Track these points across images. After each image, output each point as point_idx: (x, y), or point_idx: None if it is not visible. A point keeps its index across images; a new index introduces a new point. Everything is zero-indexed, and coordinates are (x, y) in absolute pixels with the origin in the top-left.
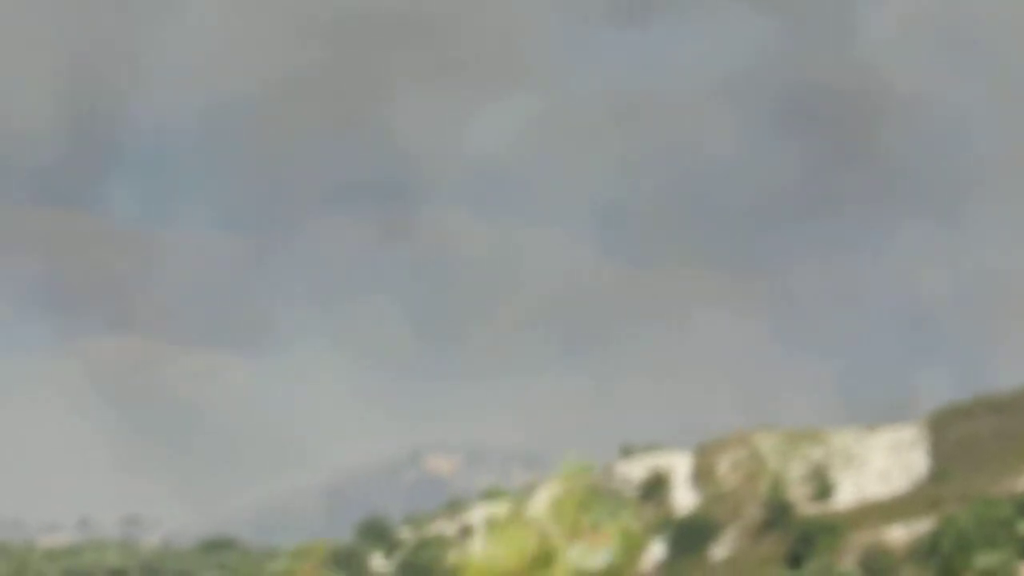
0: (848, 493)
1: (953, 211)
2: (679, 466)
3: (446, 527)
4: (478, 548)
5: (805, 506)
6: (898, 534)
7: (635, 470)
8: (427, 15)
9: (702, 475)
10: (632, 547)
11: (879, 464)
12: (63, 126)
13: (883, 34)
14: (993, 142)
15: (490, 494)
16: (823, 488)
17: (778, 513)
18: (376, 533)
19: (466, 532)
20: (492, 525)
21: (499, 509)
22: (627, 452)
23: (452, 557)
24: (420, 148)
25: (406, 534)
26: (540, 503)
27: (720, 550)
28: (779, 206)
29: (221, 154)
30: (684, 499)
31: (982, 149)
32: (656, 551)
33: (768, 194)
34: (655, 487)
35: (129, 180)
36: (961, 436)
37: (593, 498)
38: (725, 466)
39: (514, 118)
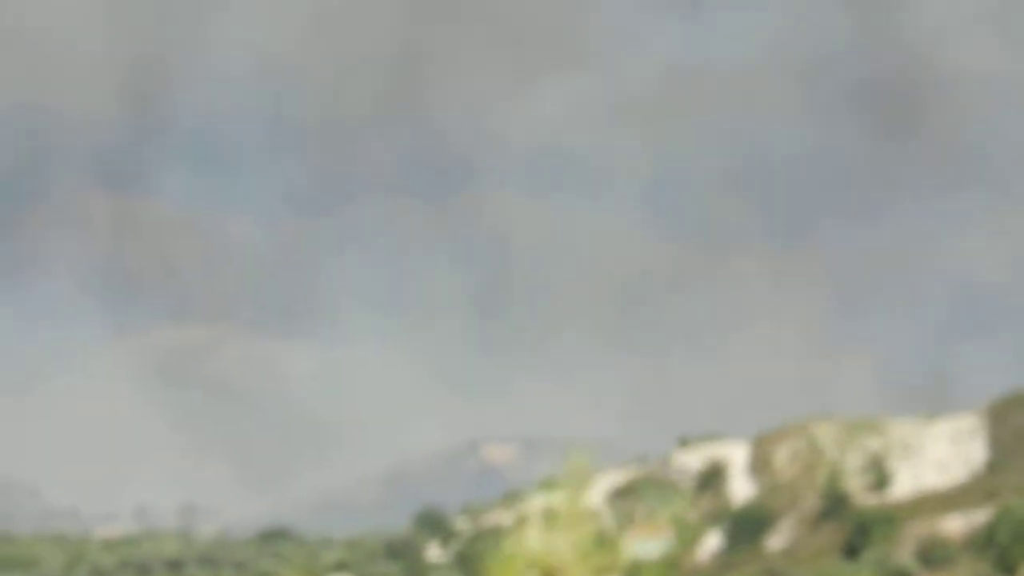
0: (905, 483)
1: (1014, 191)
2: (736, 456)
3: (503, 517)
4: (534, 537)
5: (862, 496)
6: (955, 524)
7: (692, 460)
8: None
9: (759, 465)
10: (687, 537)
11: (937, 454)
12: (126, 112)
13: (938, 13)
14: None
15: (547, 484)
16: (880, 478)
17: (835, 503)
18: (432, 523)
19: (523, 522)
20: (548, 515)
21: (555, 499)
22: (684, 442)
23: (507, 546)
24: (477, 129)
25: (463, 524)
26: (596, 493)
27: (776, 540)
28: (837, 186)
29: (280, 140)
30: (741, 489)
31: None
32: (712, 541)
33: (826, 174)
34: (712, 477)
35: (189, 167)
36: (1020, 426)
37: (650, 488)
38: (782, 456)
39: (571, 97)
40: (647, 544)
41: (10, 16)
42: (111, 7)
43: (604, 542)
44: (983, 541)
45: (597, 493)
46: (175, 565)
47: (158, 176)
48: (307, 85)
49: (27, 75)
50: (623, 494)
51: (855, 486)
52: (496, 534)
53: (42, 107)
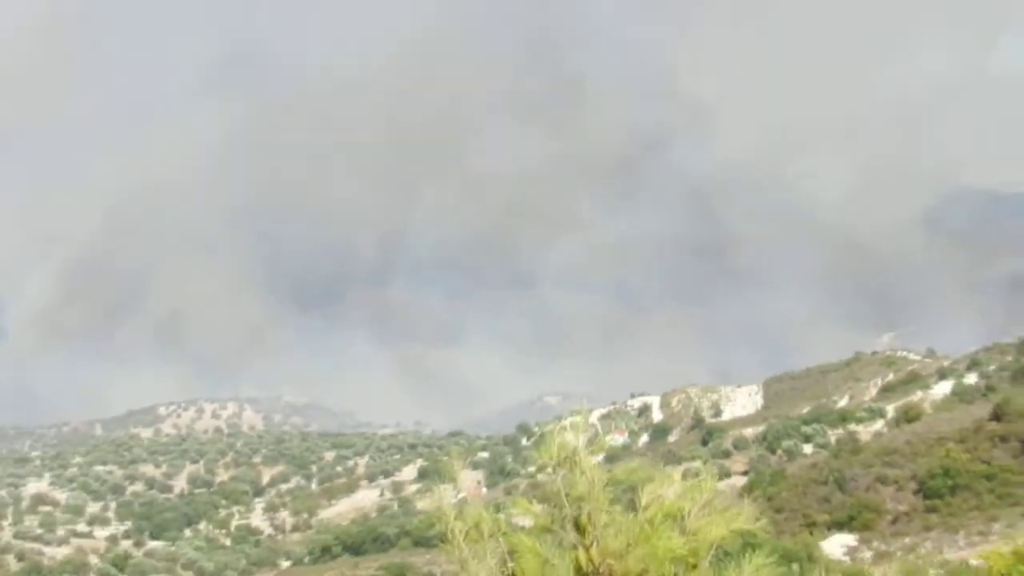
0: (728, 414)
1: None
2: (655, 401)
3: (554, 427)
4: (564, 436)
5: (709, 420)
6: (749, 431)
7: (636, 403)
8: None
9: (665, 406)
10: (634, 437)
11: (742, 401)
12: None
13: None
14: None
15: (573, 414)
16: (717, 412)
17: (697, 423)
18: (523, 429)
19: (561, 429)
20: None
21: (575, 420)
22: (632, 395)
23: (550, 439)
24: None
25: (536, 430)
26: (593, 417)
27: (671, 439)
28: None
29: None
30: (656, 416)
31: None
32: (644, 438)
33: None
34: (644, 410)
35: None
36: (778, 390)
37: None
38: (675, 401)
39: None
40: (616, 439)
41: None
42: None
43: (596, 438)
44: (761, 439)
45: (594, 417)
46: (414, 445)
47: None
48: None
49: None
50: (605, 417)
51: (706, 415)
52: (549, 435)
53: None
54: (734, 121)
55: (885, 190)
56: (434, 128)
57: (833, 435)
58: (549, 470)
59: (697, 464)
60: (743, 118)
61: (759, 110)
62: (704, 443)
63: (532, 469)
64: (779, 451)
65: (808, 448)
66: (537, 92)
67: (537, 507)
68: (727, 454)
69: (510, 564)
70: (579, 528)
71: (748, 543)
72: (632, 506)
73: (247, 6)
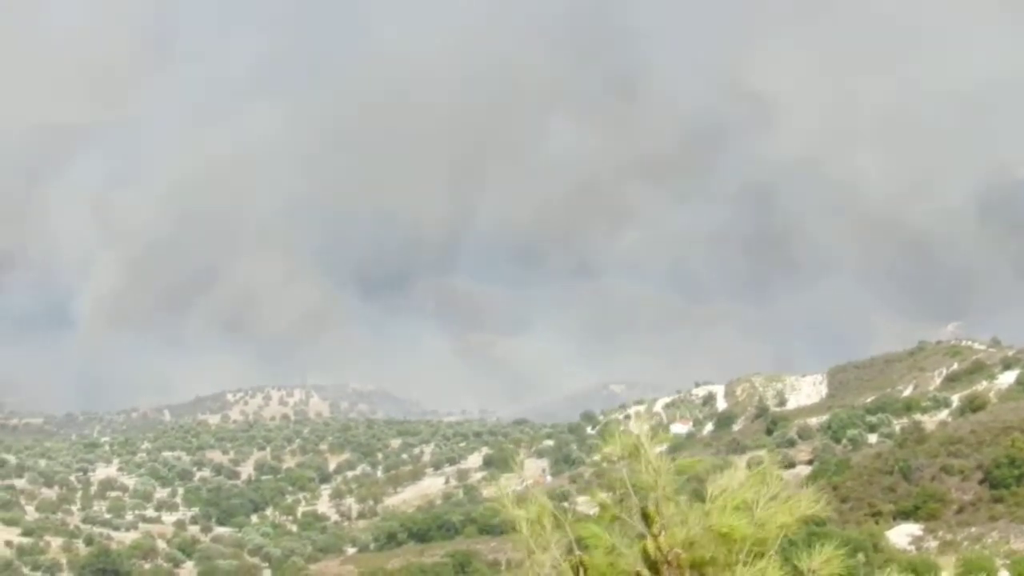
0: (793, 403)
1: None
2: (719, 390)
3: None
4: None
5: (773, 409)
6: (813, 421)
7: (700, 391)
8: None
9: (729, 394)
10: (699, 426)
11: (807, 391)
12: None
13: None
14: None
15: (638, 403)
16: (782, 400)
17: (762, 412)
18: (588, 417)
19: (626, 419)
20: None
21: (641, 409)
22: (697, 384)
23: (614, 429)
24: None
25: (601, 418)
26: (658, 405)
27: (735, 428)
28: None
29: None
30: (721, 405)
31: None
32: (708, 427)
33: None
34: (708, 399)
35: None
36: (843, 379)
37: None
38: (739, 391)
39: None
40: (680, 428)
41: None
42: None
43: (661, 428)
44: (826, 428)
45: (659, 405)
46: (479, 433)
47: None
48: None
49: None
50: (670, 406)
51: (771, 404)
52: (613, 424)
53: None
54: (793, 114)
55: (941, 182)
56: (497, 120)
57: (898, 424)
58: (615, 460)
59: (762, 453)
60: (802, 111)
61: (817, 103)
62: (769, 432)
63: (597, 458)
64: (844, 440)
65: (873, 437)
66: (597, 85)
67: (604, 496)
68: (792, 443)
69: (577, 553)
70: (646, 517)
71: (815, 533)
72: (698, 496)
73: (312, 2)
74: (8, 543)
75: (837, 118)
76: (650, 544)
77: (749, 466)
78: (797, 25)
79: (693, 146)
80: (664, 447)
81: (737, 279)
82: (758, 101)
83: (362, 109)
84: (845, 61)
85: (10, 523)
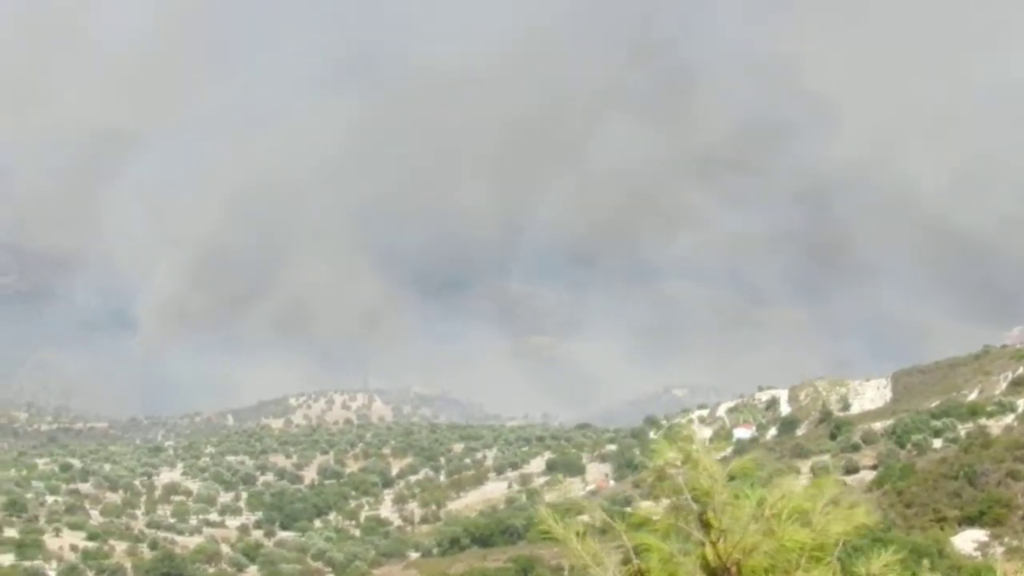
0: (857, 408)
1: None
2: (782, 394)
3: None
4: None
5: (837, 413)
6: (878, 425)
7: (763, 395)
8: None
9: (792, 399)
10: (762, 431)
11: (870, 395)
12: None
13: None
14: None
15: (699, 408)
16: (845, 405)
17: (825, 416)
18: (651, 421)
19: (688, 422)
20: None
21: (702, 413)
22: (760, 388)
23: (677, 432)
24: None
25: (664, 422)
26: (721, 410)
27: (799, 432)
28: None
29: None
30: (784, 410)
31: None
32: (772, 431)
33: None
34: (772, 403)
35: None
36: (909, 383)
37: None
38: (803, 395)
39: None
40: (743, 432)
41: None
42: None
43: (724, 432)
44: (890, 433)
45: (721, 410)
46: (542, 437)
47: None
48: None
49: None
50: (732, 411)
51: (834, 409)
52: (677, 428)
53: None
54: (850, 114)
55: (997, 185)
56: (552, 123)
57: (963, 429)
58: (672, 466)
59: (825, 458)
60: (859, 111)
61: (875, 103)
62: (832, 437)
63: (655, 464)
64: (908, 445)
65: (938, 442)
66: (653, 86)
67: (662, 503)
68: (856, 448)
69: (636, 561)
70: (704, 524)
71: (879, 539)
72: (757, 502)
73: (367, 6)
74: (73, 547)
75: (895, 119)
76: (709, 552)
77: (813, 471)
78: (854, 23)
79: (749, 147)
80: (729, 451)
81: (794, 281)
82: (814, 101)
83: (418, 111)
84: (903, 61)
85: (75, 527)
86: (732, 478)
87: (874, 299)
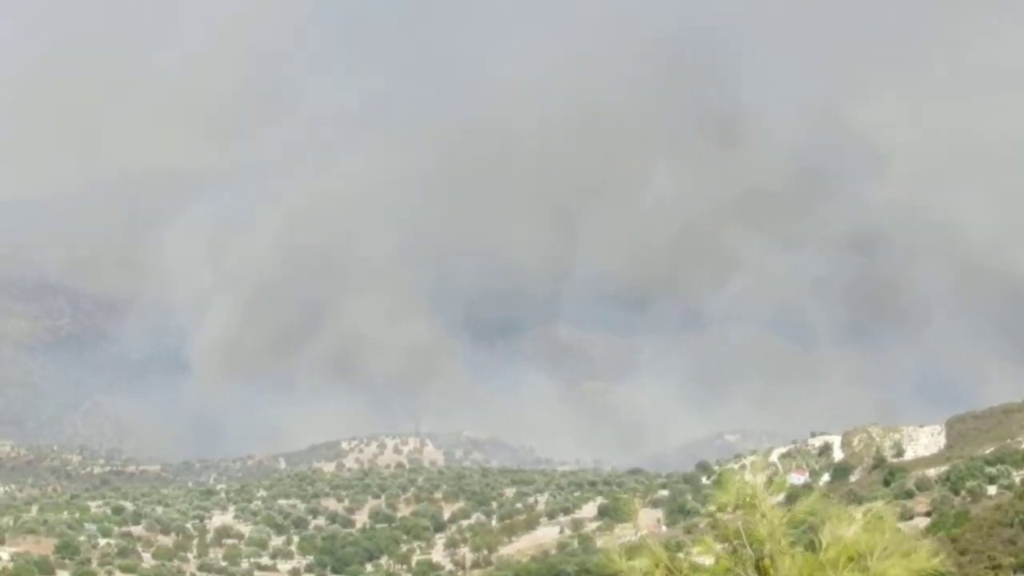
0: (911, 454)
1: None
2: (835, 440)
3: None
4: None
5: (890, 460)
6: (932, 472)
7: (816, 441)
8: None
9: (845, 445)
10: (815, 477)
11: (924, 442)
12: None
13: None
14: None
15: (751, 454)
16: (899, 452)
17: (879, 463)
18: (703, 467)
19: (741, 468)
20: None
21: (754, 459)
22: (813, 434)
23: (731, 477)
24: None
25: (716, 467)
26: (774, 456)
27: (852, 478)
28: None
29: None
30: (837, 456)
31: None
32: (825, 477)
33: None
34: (825, 449)
35: None
36: (962, 430)
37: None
38: (856, 441)
39: None
40: (797, 478)
41: None
42: None
43: (776, 477)
44: (944, 479)
45: (774, 456)
46: (594, 482)
47: None
48: None
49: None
50: (785, 456)
51: (888, 455)
52: (728, 474)
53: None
54: (898, 156)
55: None
56: (604, 166)
57: (1017, 476)
58: (729, 511)
59: (879, 504)
60: (907, 154)
61: (924, 145)
62: (886, 483)
63: (712, 508)
64: (963, 492)
65: (992, 489)
66: (699, 129)
67: (718, 547)
68: (910, 495)
69: None
70: (759, 570)
71: None
72: (812, 547)
73: (422, 48)
74: None
75: (944, 158)
76: None
77: (865, 516)
78: (904, 64)
79: (797, 189)
80: (781, 496)
81: (845, 324)
82: (863, 142)
83: (468, 151)
84: (952, 101)
85: (127, 570)
86: (795, 525)
87: (925, 343)
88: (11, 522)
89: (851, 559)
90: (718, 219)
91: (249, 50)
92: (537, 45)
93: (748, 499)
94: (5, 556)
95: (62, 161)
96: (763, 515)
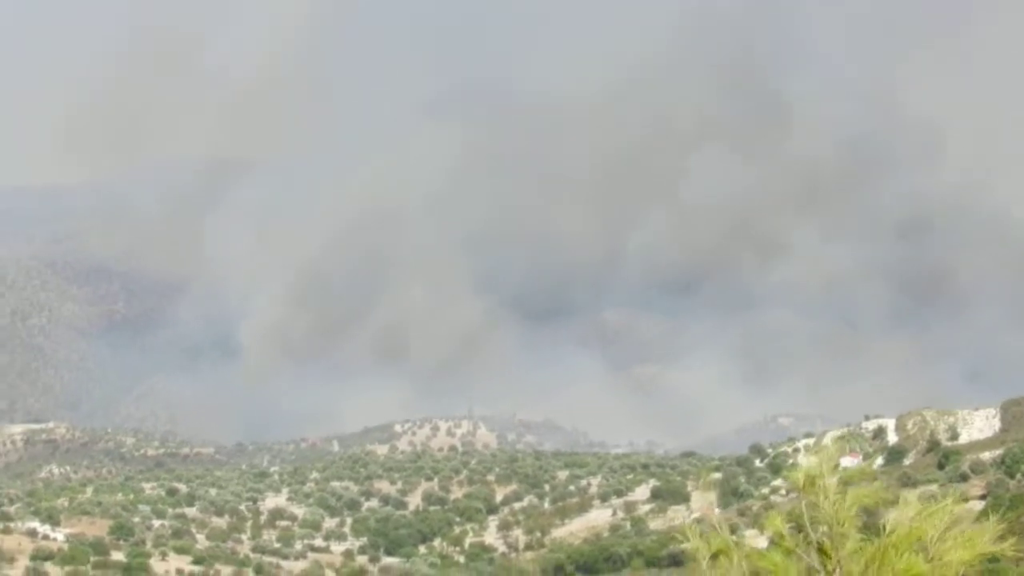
0: (966, 437)
1: None
2: (889, 423)
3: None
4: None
5: (945, 443)
6: (986, 455)
7: (870, 424)
8: None
9: (900, 428)
10: (870, 460)
11: (979, 424)
12: None
13: None
14: None
15: (809, 436)
16: (954, 435)
17: (933, 446)
18: (757, 449)
19: (800, 450)
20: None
21: (813, 443)
22: (866, 417)
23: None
24: None
25: (769, 450)
26: (827, 438)
27: (906, 461)
28: None
29: None
30: (892, 439)
31: None
32: (879, 460)
33: None
34: (879, 432)
35: None
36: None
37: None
38: (910, 423)
39: None
40: (850, 462)
41: None
42: None
43: (829, 461)
44: (999, 463)
45: (827, 439)
46: (646, 465)
47: None
48: None
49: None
50: (839, 440)
51: (942, 438)
52: (784, 455)
53: None
54: (951, 142)
55: None
56: (651, 150)
57: None
58: (790, 493)
59: (933, 488)
60: (960, 140)
61: (976, 131)
62: (940, 467)
63: (765, 491)
64: (1018, 475)
65: None
66: (751, 113)
67: (786, 526)
68: (964, 478)
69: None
70: (822, 551)
71: (990, 570)
72: (873, 530)
73: (471, 34)
74: (179, 571)
75: (997, 144)
76: None
77: (921, 500)
78: (957, 47)
79: (847, 175)
80: (833, 480)
81: (896, 309)
82: (915, 128)
83: (519, 138)
84: (1006, 85)
85: (181, 551)
86: (860, 509)
87: (977, 328)
88: (66, 503)
89: (912, 541)
90: (767, 203)
91: (302, 38)
92: (585, 34)
93: (811, 479)
94: (60, 537)
95: (119, 147)
96: (826, 497)
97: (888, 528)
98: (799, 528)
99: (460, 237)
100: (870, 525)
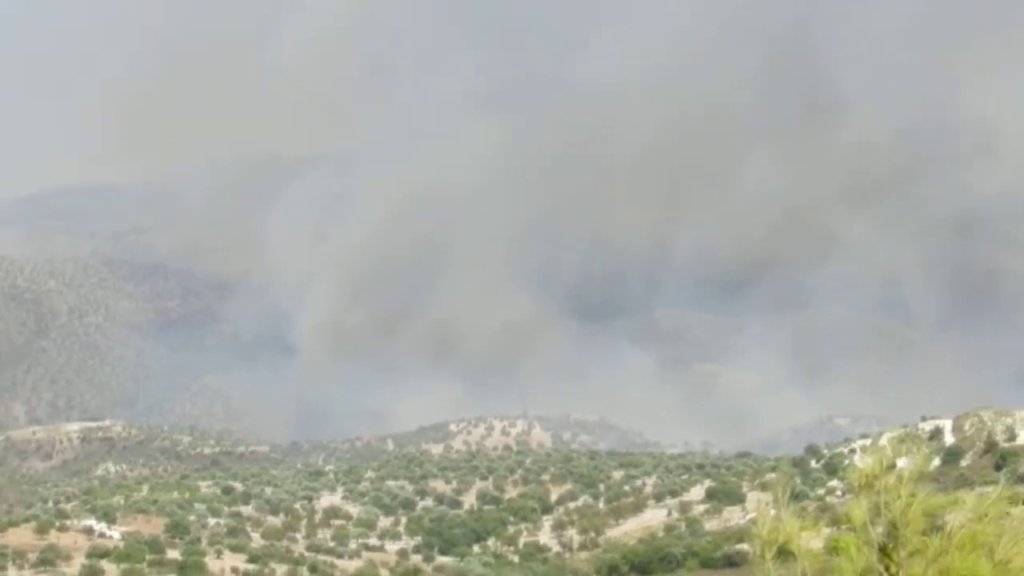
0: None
1: None
2: (947, 424)
3: (844, 449)
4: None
5: (1002, 444)
6: None
7: (927, 425)
8: None
9: (957, 429)
10: (928, 459)
11: None
12: None
13: None
14: None
15: (865, 437)
16: (1011, 436)
17: (990, 447)
18: (813, 450)
19: (854, 451)
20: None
21: (869, 443)
22: (923, 418)
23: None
24: None
25: (824, 451)
26: (884, 439)
27: (963, 463)
28: None
29: None
30: (948, 440)
31: None
32: (936, 461)
33: None
34: (936, 433)
35: None
36: None
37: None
38: (967, 424)
39: None
40: (907, 463)
41: None
42: None
43: (887, 460)
44: None
45: (884, 439)
46: (702, 465)
47: None
48: None
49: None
50: (896, 441)
51: (1000, 439)
52: (840, 456)
53: None
54: (1006, 138)
55: None
56: (704, 144)
57: None
58: (846, 494)
59: (990, 489)
60: (1018, 137)
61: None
62: (997, 468)
63: (821, 492)
64: None
65: None
66: (804, 108)
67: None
68: (1022, 479)
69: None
70: (884, 552)
71: None
72: (935, 532)
73: (525, 26)
74: (234, 569)
75: None
76: None
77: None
78: (1015, 43)
79: (901, 171)
80: (891, 479)
81: (948, 309)
82: (972, 124)
83: (573, 131)
84: None
85: (236, 550)
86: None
87: None
88: (122, 501)
89: (977, 544)
90: (820, 201)
91: (356, 34)
92: (636, 24)
93: (872, 482)
94: (116, 535)
95: (175, 145)
96: (898, 498)
97: (950, 529)
98: (852, 529)
99: (514, 236)
100: (934, 527)
